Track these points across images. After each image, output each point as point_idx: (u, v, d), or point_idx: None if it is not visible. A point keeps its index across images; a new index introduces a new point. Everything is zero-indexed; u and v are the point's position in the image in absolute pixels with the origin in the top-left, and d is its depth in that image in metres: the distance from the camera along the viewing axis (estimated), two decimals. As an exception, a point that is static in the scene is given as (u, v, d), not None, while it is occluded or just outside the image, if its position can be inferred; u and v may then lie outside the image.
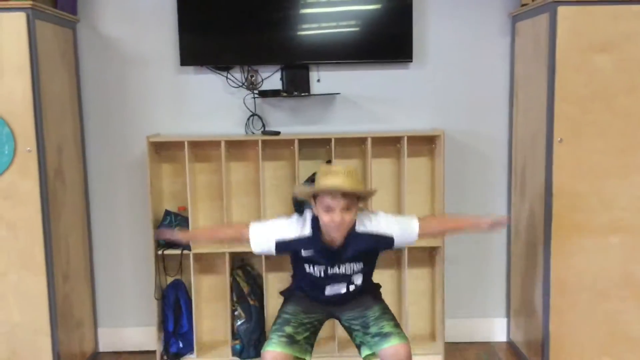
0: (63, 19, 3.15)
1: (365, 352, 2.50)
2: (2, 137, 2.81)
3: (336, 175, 2.35)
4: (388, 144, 3.37)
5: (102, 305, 3.54)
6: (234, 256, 3.42)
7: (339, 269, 2.50)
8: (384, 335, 2.44)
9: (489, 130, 3.47)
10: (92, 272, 3.49)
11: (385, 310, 2.58)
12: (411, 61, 3.36)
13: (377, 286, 2.71)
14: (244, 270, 3.42)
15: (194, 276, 3.31)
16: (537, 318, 3.12)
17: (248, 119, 3.40)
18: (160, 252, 3.27)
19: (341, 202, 2.34)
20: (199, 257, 3.36)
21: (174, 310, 3.34)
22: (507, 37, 3.40)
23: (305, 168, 3.30)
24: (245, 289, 3.36)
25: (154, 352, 3.36)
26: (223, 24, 3.30)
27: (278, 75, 3.37)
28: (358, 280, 2.55)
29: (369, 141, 3.22)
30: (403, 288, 3.37)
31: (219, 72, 3.38)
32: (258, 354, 3.29)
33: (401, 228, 2.50)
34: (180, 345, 3.35)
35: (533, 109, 3.12)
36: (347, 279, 2.52)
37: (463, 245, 3.52)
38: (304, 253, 2.48)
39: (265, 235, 2.50)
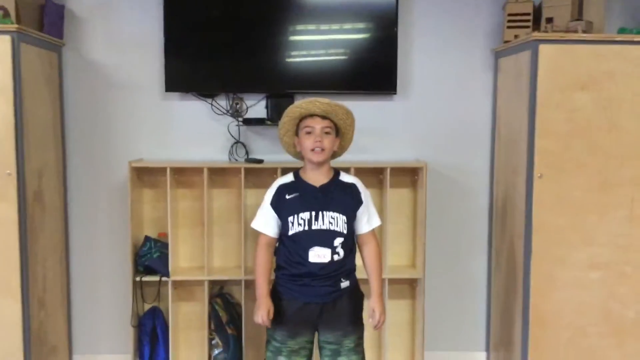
0: (49, 42, 3.15)
1: None
2: (-19, 159, 2.78)
3: (320, 99, 2.46)
4: (371, 175, 3.38)
5: (77, 331, 3.48)
6: (213, 284, 3.39)
7: (323, 220, 2.44)
8: None
9: (471, 163, 3.50)
10: (69, 298, 3.44)
11: (359, 342, 2.55)
12: (395, 93, 3.39)
13: (360, 293, 2.62)
14: (223, 299, 3.39)
15: (171, 303, 3.27)
16: (516, 352, 3.11)
17: (232, 146, 3.40)
18: (138, 279, 3.23)
19: (321, 122, 2.45)
20: (177, 284, 3.33)
21: (151, 338, 3.29)
22: (489, 72, 3.45)
23: (287, 197, 3.29)
24: (224, 318, 3.32)
25: (129, 380, 3.31)
26: (209, 51, 3.32)
27: (263, 103, 3.38)
28: (340, 250, 2.46)
29: (352, 171, 3.22)
30: (383, 319, 3.35)
31: (203, 99, 3.38)
32: (235, 385, 3.26)
33: (369, 211, 2.55)
34: (156, 374, 3.30)
35: (514, 143, 3.15)
36: (331, 238, 2.44)
37: (444, 277, 3.52)
38: (287, 196, 2.49)
39: (263, 213, 2.56)
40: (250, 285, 3.30)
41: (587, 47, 2.91)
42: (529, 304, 2.99)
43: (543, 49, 2.89)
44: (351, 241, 2.52)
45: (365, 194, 2.55)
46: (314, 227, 2.44)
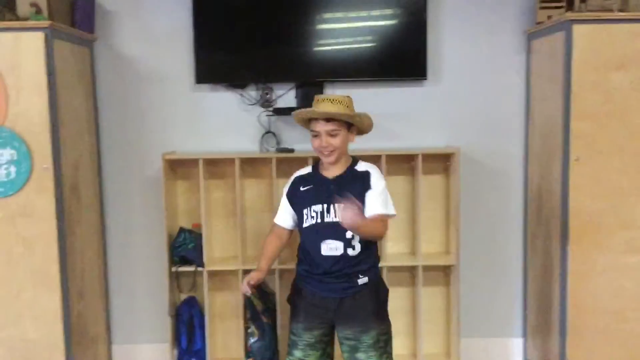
0: (80, 37, 3.19)
1: None
2: (19, 155, 2.84)
3: (322, 102, 2.42)
4: (403, 162, 3.36)
5: (116, 321, 3.55)
6: (247, 273, 3.40)
7: (332, 211, 2.39)
8: None
9: (504, 148, 3.45)
10: (107, 289, 3.50)
11: (380, 338, 2.45)
12: (426, 78, 3.36)
13: (384, 288, 2.55)
14: (258, 288, 3.39)
15: (207, 293, 3.30)
16: (554, 338, 3.08)
17: (262, 136, 3.40)
18: (174, 270, 3.27)
19: (325, 126, 2.40)
20: (212, 274, 3.36)
21: (188, 327, 3.33)
22: (522, 54, 3.38)
23: (319, 185, 3.30)
24: (259, 307, 3.33)
25: (167, 369, 3.36)
26: (238, 42, 3.32)
27: (293, 92, 3.38)
28: (356, 243, 2.41)
29: (383, 159, 3.21)
30: (418, 307, 3.34)
31: (234, 89, 3.39)
32: (271, 373, 3.28)
33: (376, 197, 2.42)
34: (194, 362, 3.34)
35: (549, 127, 3.09)
36: (343, 231, 2.35)
37: (479, 263, 3.49)
38: (302, 189, 2.49)
39: (282, 205, 2.58)
40: (283, 274, 3.32)
41: (623, 26, 2.83)
42: (567, 289, 2.94)
43: (577, 29, 2.83)
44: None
45: (377, 181, 2.45)
46: (326, 219, 2.41)
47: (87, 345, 3.20)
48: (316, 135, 2.44)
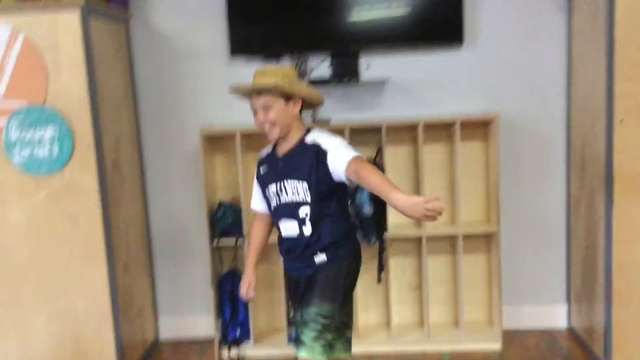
0: (116, 14, 3.22)
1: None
2: (62, 133, 2.90)
3: (255, 77, 2.25)
4: (440, 129, 3.32)
5: (161, 294, 3.63)
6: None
7: (286, 191, 2.25)
8: (299, 343, 2.26)
9: (545, 112, 3.37)
10: (152, 262, 3.58)
11: (318, 319, 2.22)
12: (463, 43, 3.29)
13: (349, 269, 2.31)
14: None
15: (249, 265, 3.34)
16: (599, 304, 3.03)
17: (298, 107, 3.39)
18: (215, 243, 3.32)
19: (257, 100, 2.23)
20: (253, 246, 3.39)
21: (231, 299, 3.39)
22: (563, 14, 3.28)
23: (356, 155, 3.29)
24: (300, 277, 3.37)
25: (212, 339, 3.43)
26: (271, 12, 3.30)
27: (327, 62, 3.35)
28: (307, 220, 2.23)
29: (421, 127, 3.18)
30: (459, 275, 3.32)
31: (268, 61, 3.38)
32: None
33: (337, 152, 2.17)
34: (238, 332, 3.40)
35: (592, 88, 3.00)
36: (295, 209, 2.23)
37: (521, 230, 3.44)
38: (262, 170, 2.37)
39: (254, 188, 2.45)
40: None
41: (670, -21, 2.72)
42: (612, 254, 2.88)
43: (621, -15, 2.72)
44: (325, 209, 2.24)
45: (329, 142, 2.21)
46: (282, 199, 2.28)
47: (134, 317, 3.29)
48: (254, 112, 2.27)
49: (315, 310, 2.22)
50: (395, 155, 3.36)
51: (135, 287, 3.32)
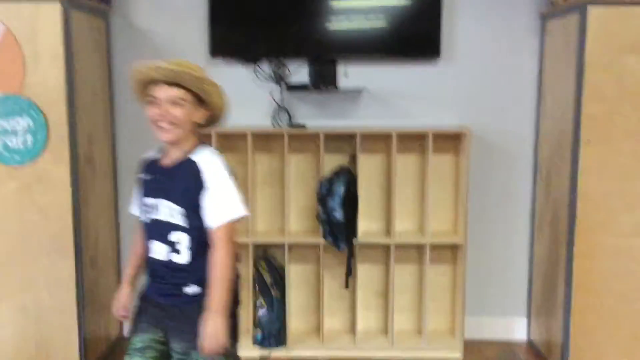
0: (97, 9, 3.22)
1: None
2: (36, 124, 2.88)
3: (168, 64, 1.94)
4: (413, 140, 3.38)
5: (127, 290, 3.61)
6: (257, 247, 3.46)
7: (160, 208, 2.00)
8: None
9: (515, 129, 3.46)
10: (120, 258, 3.56)
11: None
12: (439, 57, 3.37)
13: (231, 304, 2.00)
14: (267, 261, 3.46)
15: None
16: (557, 318, 3.12)
17: (275, 111, 3.43)
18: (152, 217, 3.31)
19: (168, 91, 1.94)
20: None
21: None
22: (536, 36, 3.38)
23: (330, 161, 3.34)
24: (268, 280, 3.40)
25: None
26: (253, 16, 3.34)
27: (306, 68, 3.40)
28: (184, 249, 1.98)
29: (394, 137, 3.24)
30: (424, 284, 3.39)
31: (247, 64, 3.41)
32: (279, 343, 3.36)
33: (215, 201, 1.94)
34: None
35: (561, 109, 3.10)
36: (166, 232, 1.98)
37: (486, 243, 3.52)
38: (143, 175, 2.10)
39: (135, 191, 2.18)
40: (292, 248, 3.37)
41: (638, 8, 2.82)
42: (572, 270, 2.97)
43: (593, 11, 2.82)
44: (204, 239, 1.98)
45: (214, 175, 1.96)
46: (155, 216, 2.02)
47: (99, 313, 3.27)
48: (152, 102, 1.98)
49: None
50: (369, 164, 3.41)
51: (102, 282, 3.31)
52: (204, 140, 2.09)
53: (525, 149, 3.48)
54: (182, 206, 1.97)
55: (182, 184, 1.97)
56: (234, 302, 2.05)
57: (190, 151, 2.01)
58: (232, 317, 2.00)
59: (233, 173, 2.02)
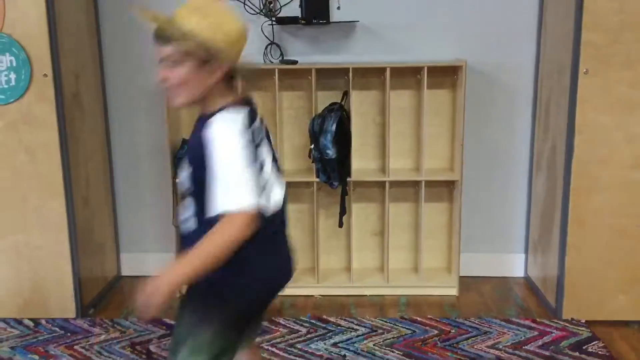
0: (79, -58, 3.11)
1: None
2: (18, 61, 2.82)
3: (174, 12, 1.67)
4: (408, 75, 3.29)
5: (124, 230, 3.62)
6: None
7: (180, 172, 1.75)
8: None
9: (514, 62, 3.35)
10: (113, 198, 3.55)
11: (188, 340, 1.71)
12: (435, -13, 3.24)
13: (219, 293, 1.70)
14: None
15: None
16: (553, 254, 3.08)
17: (266, 47, 3.34)
18: (177, 180, 3.29)
19: (162, 50, 1.65)
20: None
21: (192, 237, 3.38)
22: (537, -38, 3.23)
23: (323, 98, 3.26)
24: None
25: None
26: (241, -52, 3.21)
27: (297, 1, 3.28)
28: (190, 214, 1.71)
29: (388, 72, 3.14)
30: (420, 222, 3.35)
31: (236, -2, 3.30)
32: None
33: (215, 182, 1.58)
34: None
35: (560, 38, 2.98)
36: (183, 198, 1.76)
37: (483, 180, 3.46)
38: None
39: None
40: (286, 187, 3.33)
41: None
42: (569, 205, 2.92)
43: None
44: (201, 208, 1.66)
45: (214, 142, 1.58)
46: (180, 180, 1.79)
47: (94, 253, 3.28)
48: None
49: (186, 328, 1.77)
50: (362, 101, 3.33)
51: (95, 222, 3.30)
52: (235, 99, 1.69)
53: (525, 83, 3.37)
54: (190, 165, 1.68)
55: (195, 148, 1.64)
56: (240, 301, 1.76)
57: (208, 116, 1.65)
58: (233, 312, 1.74)
59: (257, 141, 1.67)
